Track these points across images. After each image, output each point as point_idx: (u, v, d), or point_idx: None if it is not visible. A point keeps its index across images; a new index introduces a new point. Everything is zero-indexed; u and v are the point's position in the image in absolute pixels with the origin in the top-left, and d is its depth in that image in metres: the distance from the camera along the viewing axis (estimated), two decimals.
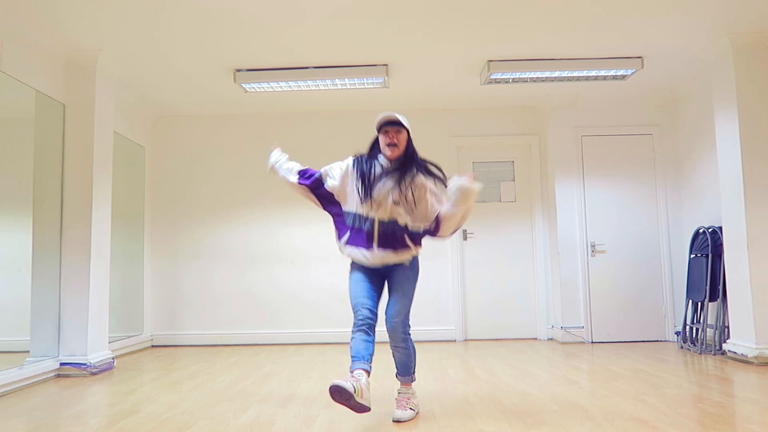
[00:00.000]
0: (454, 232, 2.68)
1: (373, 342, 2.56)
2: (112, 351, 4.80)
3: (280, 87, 4.80)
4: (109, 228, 4.37)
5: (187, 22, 3.74)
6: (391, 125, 2.62)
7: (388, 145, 2.62)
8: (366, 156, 2.72)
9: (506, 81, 4.72)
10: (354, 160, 2.72)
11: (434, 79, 4.90)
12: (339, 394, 2.27)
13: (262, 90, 4.87)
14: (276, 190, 5.72)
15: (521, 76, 4.63)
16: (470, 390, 3.32)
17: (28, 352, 3.95)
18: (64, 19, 3.65)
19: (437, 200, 2.64)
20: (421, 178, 2.63)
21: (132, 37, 3.94)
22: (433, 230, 2.64)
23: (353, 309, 2.62)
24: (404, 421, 2.65)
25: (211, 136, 5.83)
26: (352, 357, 2.49)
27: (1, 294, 4.10)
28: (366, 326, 2.55)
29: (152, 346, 5.58)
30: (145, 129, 5.64)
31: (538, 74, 4.59)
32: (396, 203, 2.59)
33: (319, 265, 5.64)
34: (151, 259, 5.70)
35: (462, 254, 5.68)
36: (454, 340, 5.54)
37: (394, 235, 2.62)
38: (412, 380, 2.79)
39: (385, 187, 2.61)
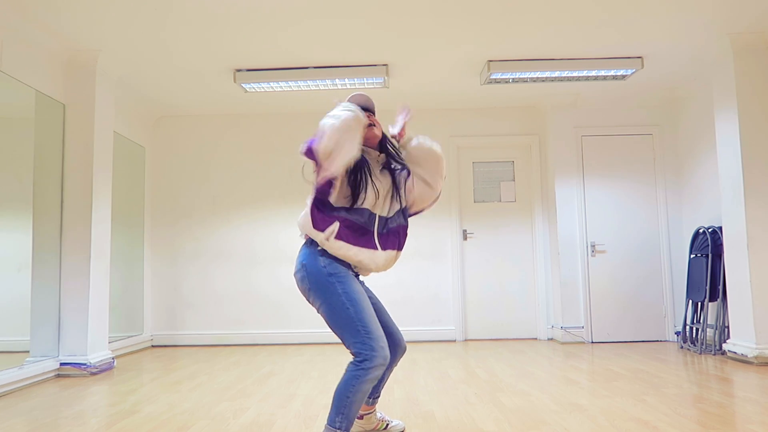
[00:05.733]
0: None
1: None
2: (112, 351, 4.80)
3: (280, 87, 4.80)
4: (109, 228, 4.37)
5: (187, 23, 3.74)
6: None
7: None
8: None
9: (506, 81, 4.72)
10: None
11: (434, 79, 4.90)
12: None
13: (262, 90, 4.86)
14: (277, 189, 5.73)
15: (521, 76, 4.63)
16: (470, 390, 3.32)
17: (28, 352, 3.94)
18: (64, 19, 3.65)
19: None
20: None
21: (132, 37, 3.94)
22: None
23: (374, 340, 2.03)
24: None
25: (212, 136, 5.83)
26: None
27: (1, 294, 4.10)
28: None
29: (152, 346, 5.58)
30: (145, 129, 5.64)
31: (538, 74, 4.59)
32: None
33: None
34: (151, 259, 5.70)
35: (462, 254, 5.68)
36: (454, 340, 5.54)
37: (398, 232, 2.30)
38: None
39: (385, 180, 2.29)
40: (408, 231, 2.32)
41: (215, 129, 5.83)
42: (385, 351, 2.02)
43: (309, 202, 2.19)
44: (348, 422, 1.99)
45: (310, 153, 2.02)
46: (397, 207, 2.27)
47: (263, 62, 4.46)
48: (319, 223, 2.12)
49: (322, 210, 2.13)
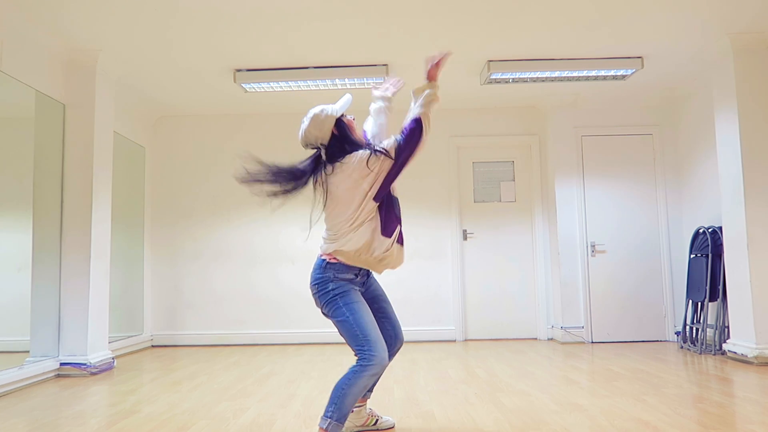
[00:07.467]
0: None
1: None
2: (112, 351, 4.80)
3: (280, 87, 4.80)
4: (109, 228, 4.37)
5: (187, 22, 3.74)
6: None
7: None
8: None
9: (506, 81, 4.72)
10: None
11: None
12: None
13: (262, 90, 4.86)
14: None
15: (521, 76, 4.63)
16: (470, 390, 3.32)
17: (28, 352, 3.94)
18: (64, 19, 3.65)
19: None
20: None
21: (132, 37, 3.94)
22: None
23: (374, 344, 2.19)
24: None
25: (211, 136, 5.83)
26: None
27: (1, 294, 4.10)
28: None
29: (152, 346, 5.58)
30: (145, 129, 5.64)
31: (538, 74, 4.59)
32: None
33: None
34: (151, 259, 5.70)
35: (462, 254, 5.68)
36: (454, 340, 5.54)
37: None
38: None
39: None
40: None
41: (215, 129, 5.83)
42: (382, 354, 2.18)
43: (356, 219, 2.23)
44: (339, 413, 2.12)
45: (414, 143, 2.20)
46: None
47: (263, 62, 4.46)
48: (385, 228, 2.26)
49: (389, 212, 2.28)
